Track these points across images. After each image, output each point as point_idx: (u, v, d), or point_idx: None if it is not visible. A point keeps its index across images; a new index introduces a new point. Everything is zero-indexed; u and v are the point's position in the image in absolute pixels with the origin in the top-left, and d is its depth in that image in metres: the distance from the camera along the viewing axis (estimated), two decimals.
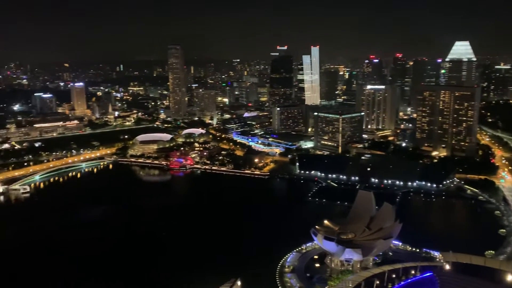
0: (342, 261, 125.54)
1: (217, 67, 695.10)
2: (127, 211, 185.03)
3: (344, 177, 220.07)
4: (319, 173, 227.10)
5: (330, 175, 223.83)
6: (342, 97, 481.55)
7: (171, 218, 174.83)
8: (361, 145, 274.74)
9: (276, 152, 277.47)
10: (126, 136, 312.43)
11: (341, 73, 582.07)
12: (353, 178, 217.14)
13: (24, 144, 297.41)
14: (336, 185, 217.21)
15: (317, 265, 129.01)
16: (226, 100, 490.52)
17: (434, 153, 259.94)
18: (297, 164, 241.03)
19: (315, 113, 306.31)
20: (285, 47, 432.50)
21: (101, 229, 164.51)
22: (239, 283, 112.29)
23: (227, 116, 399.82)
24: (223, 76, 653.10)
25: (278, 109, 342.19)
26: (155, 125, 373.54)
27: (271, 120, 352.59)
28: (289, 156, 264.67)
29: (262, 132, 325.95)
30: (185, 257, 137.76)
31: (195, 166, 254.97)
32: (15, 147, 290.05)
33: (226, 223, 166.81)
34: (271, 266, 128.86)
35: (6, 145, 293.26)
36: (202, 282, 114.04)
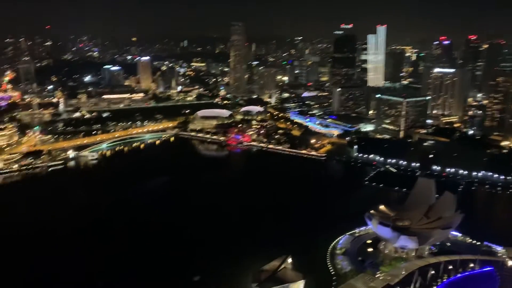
0: (396, 248, 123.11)
1: (278, 45, 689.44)
2: (186, 183, 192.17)
3: (404, 162, 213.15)
4: (377, 157, 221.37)
5: (389, 160, 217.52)
6: (407, 80, 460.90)
7: (227, 191, 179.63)
8: (424, 131, 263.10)
9: (334, 134, 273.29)
10: (187, 111, 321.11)
11: (408, 54, 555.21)
12: (413, 164, 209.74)
13: (93, 114, 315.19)
14: (395, 170, 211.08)
15: (370, 249, 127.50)
16: (285, 78, 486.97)
17: (504, 143, 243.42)
18: (356, 147, 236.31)
19: (378, 95, 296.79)
20: (350, 26, 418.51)
21: (161, 197, 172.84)
22: (289, 260, 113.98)
23: (286, 95, 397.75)
24: (284, 54, 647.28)
25: (339, 89, 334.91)
26: (215, 101, 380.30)
27: (330, 100, 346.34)
28: (347, 138, 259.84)
29: (321, 113, 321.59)
30: (238, 230, 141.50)
31: (252, 143, 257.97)
32: (85, 116, 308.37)
33: (280, 201, 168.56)
34: (323, 247, 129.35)
35: (77, 114, 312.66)
36: (253, 257, 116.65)
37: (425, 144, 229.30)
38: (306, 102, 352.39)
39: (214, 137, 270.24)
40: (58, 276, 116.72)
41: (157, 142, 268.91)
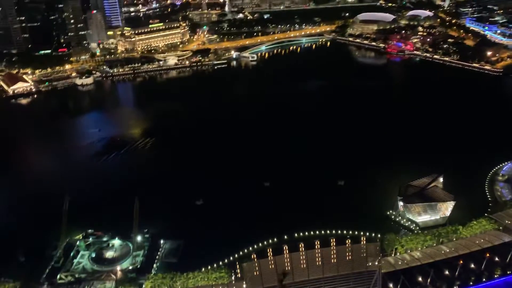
0: None
1: None
2: (336, 89, 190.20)
3: None
4: None
5: None
6: None
7: (382, 100, 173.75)
8: None
9: None
10: (347, 14, 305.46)
11: None
12: None
13: (255, 15, 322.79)
14: None
15: None
16: None
17: None
18: None
19: None
20: None
21: (312, 101, 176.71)
22: (441, 179, 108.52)
23: None
24: None
25: None
26: (378, 4, 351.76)
27: None
28: None
29: (505, 20, 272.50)
30: (389, 141, 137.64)
31: (415, 52, 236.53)
32: (248, 17, 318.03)
33: (439, 117, 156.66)
34: (483, 171, 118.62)
35: (240, 15, 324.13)
36: (405, 171, 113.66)
37: None
38: (488, 7, 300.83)
39: (373, 43, 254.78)
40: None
41: (314, 46, 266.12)
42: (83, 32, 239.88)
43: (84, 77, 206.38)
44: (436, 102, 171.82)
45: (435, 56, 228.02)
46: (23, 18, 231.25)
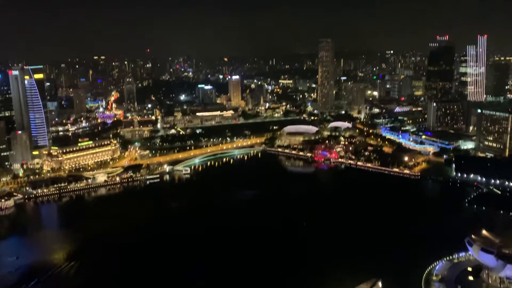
0: (502, 278, 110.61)
1: (368, 60, 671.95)
2: (274, 197, 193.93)
3: (511, 183, 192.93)
4: (479, 178, 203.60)
5: (493, 181, 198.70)
6: None
7: (314, 207, 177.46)
8: None
9: (430, 152, 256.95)
10: (275, 127, 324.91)
11: None
12: None
13: (187, 130, 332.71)
14: (499, 192, 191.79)
15: (471, 278, 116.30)
16: (375, 93, 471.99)
17: None
18: (454, 166, 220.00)
19: (479, 110, 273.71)
20: (446, 37, 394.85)
21: (251, 211, 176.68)
22: (380, 284, 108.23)
23: (376, 110, 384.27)
24: (374, 69, 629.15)
25: (435, 104, 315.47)
26: (302, 118, 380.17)
27: (425, 116, 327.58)
28: (444, 156, 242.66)
29: (415, 129, 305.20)
30: (323, 247, 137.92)
31: (340, 160, 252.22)
32: (180, 133, 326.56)
33: (370, 220, 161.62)
34: (417, 272, 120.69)
35: (172, 131, 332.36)
36: (340, 277, 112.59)
37: None
38: (399, 118, 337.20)
39: (301, 153, 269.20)
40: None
41: (245, 157, 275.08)
42: (5, 153, 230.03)
43: (3, 200, 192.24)
44: (363, 205, 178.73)
45: (359, 163, 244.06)
46: None
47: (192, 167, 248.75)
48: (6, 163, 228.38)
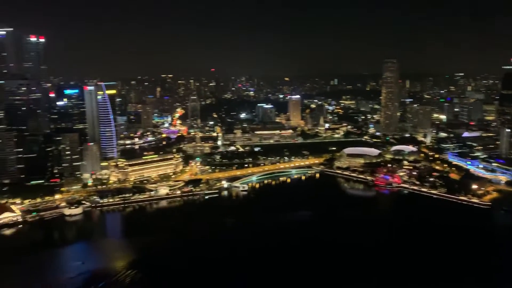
0: None
1: (436, 82, 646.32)
2: (330, 220, 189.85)
3: None
4: None
5: None
6: None
7: (376, 233, 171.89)
8: None
9: (502, 180, 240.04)
10: (334, 148, 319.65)
11: None
12: None
13: (246, 148, 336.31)
14: None
15: None
16: (443, 117, 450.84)
17: None
18: None
19: None
20: None
21: (307, 232, 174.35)
22: None
23: (443, 134, 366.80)
24: (441, 91, 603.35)
25: (508, 130, 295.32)
26: (363, 139, 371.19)
27: (497, 142, 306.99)
28: None
29: (485, 156, 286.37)
30: (382, 276, 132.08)
31: (402, 185, 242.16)
32: (239, 150, 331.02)
33: (432, 251, 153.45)
34: None
35: (232, 148, 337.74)
36: None
37: None
38: (467, 143, 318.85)
39: (361, 176, 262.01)
40: None
41: (303, 177, 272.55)
42: (77, 163, 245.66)
43: (72, 207, 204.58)
44: (427, 234, 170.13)
45: (423, 189, 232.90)
46: (21, 149, 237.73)
47: (250, 184, 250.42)
48: (77, 173, 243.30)
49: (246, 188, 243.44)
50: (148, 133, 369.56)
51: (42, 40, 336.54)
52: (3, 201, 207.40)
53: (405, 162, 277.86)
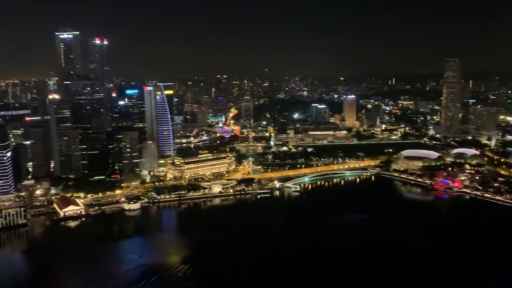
0: None
1: (502, 81, 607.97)
2: (386, 224, 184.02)
3: None
4: None
5: None
6: None
7: (434, 239, 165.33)
8: None
9: None
10: (390, 150, 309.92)
11: None
12: None
13: (299, 148, 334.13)
14: None
15: None
16: (510, 119, 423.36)
17: None
18: None
19: None
20: None
21: (360, 236, 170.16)
22: None
23: (509, 137, 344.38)
24: (509, 92, 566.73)
25: None
26: (422, 141, 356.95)
27: None
28: None
29: None
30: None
31: (464, 190, 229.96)
32: (292, 150, 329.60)
33: (499, 261, 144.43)
34: None
35: (284, 148, 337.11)
36: None
37: None
38: None
39: (419, 179, 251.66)
40: None
41: (357, 179, 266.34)
42: (136, 160, 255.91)
43: (131, 202, 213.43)
44: (490, 245, 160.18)
45: (486, 195, 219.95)
46: (85, 146, 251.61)
47: (302, 185, 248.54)
48: (137, 169, 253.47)
49: (298, 188, 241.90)
50: (203, 132, 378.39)
51: (105, 42, 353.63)
52: (69, 195, 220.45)
53: (467, 166, 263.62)
